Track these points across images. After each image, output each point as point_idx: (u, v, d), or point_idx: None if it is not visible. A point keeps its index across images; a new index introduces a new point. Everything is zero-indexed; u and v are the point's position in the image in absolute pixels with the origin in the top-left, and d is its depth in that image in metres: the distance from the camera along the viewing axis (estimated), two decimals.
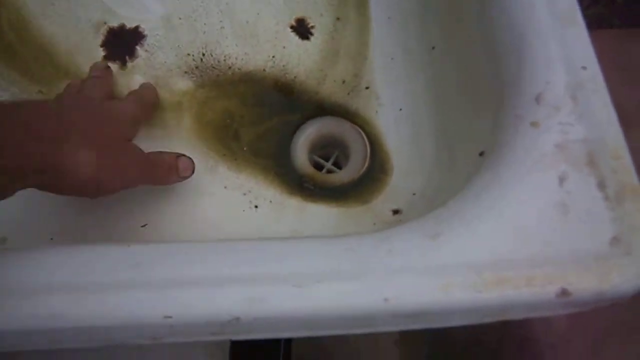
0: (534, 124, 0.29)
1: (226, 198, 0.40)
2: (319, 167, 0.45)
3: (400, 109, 0.44)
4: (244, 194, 0.41)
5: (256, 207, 0.41)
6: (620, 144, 0.28)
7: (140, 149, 0.37)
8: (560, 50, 0.30)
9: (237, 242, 0.26)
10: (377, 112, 0.44)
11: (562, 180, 0.27)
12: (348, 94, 0.45)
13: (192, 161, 0.39)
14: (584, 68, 0.30)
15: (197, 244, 0.26)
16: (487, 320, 0.26)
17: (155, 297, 0.24)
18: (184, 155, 0.39)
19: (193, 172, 0.39)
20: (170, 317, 0.23)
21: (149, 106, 0.42)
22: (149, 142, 0.39)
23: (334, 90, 0.45)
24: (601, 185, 0.27)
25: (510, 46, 0.31)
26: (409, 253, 0.25)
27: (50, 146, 0.28)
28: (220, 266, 0.24)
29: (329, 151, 0.46)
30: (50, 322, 0.23)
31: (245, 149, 0.43)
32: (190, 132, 0.43)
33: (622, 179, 0.27)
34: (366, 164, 0.43)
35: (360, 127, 0.44)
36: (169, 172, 0.38)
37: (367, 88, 0.45)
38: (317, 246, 0.26)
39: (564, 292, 0.25)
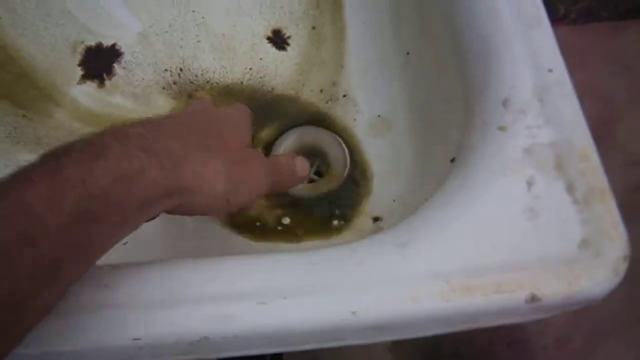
0: (501, 129, 0.29)
1: None
2: None
3: (379, 115, 0.44)
4: None
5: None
6: (588, 145, 0.28)
7: (262, 154, 0.35)
8: (526, 53, 0.30)
9: (201, 260, 0.26)
10: (355, 119, 0.44)
11: (530, 184, 0.27)
12: (326, 102, 0.45)
13: (307, 160, 0.37)
14: (550, 70, 0.30)
15: (160, 263, 0.26)
16: (459, 328, 0.26)
17: (121, 319, 0.24)
18: (297, 154, 0.37)
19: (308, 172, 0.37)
20: (138, 339, 0.23)
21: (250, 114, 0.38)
22: None
23: (312, 99, 0.46)
24: (570, 189, 0.27)
25: (477, 51, 0.31)
26: (377, 264, 0.25)
27: (175, 166, 0.25)
28: (185, 285, 0.24)
29: (310, 160, 0.46)
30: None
31: None
32: None
33: (591, 181, 0.27)
34: (346, 172, 0.43)
35: (339, 134, 0.44)
36: (290, 175, 0.36)
37: (344, 96, 0.45)
38: (282, 261, 0.26)
39: (533, 298, 0.25)
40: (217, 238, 0.40)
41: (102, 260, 0.24)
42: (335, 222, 0.41)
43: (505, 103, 0.30)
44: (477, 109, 0.31)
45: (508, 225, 0.26)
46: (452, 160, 0.31)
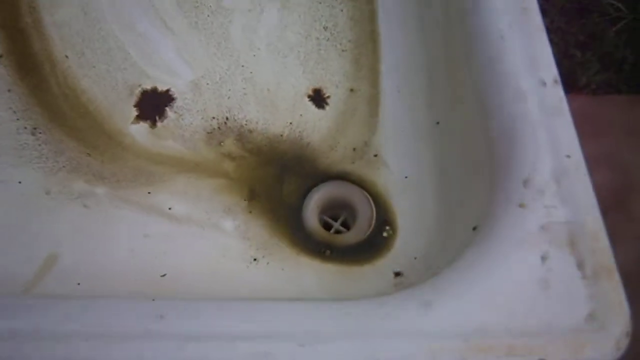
0: (521, 205, 0.32)
1: (237, 250, 0.44)
2: (327, 227, 0.48)
3: (406, 177, 0.48)
4: (257, 249, 0.44)
5: (268, 263, 0.44)
6: (599, 227, 0.31)
7: None
8: (547, 139, 0.34)
9: (247, 301, 0.29)
10: (384, 178, 0.48)
11: (544, 258, 0.30)
12: (358, 160, 0.49)
13: None
14: (568, 156, 0.33)
15: (211, 301, 0.29)
16: None
17: (174, 349, 0.27)
18: None
19: None
20: None
21: None
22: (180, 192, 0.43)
23: (345, 156, 0.49)
24: (580, 265, 0.30)
25: (503, 132, 0.35)
26: (402, 318, 0.28)
27: None
28: (233, 323, 0.28)
29: (338, 213, 0.49)
30: None
31: (258, 206, 0.47)
32: (209, 189, 0.47)
33: (600, 260, 0.30)
34: (372, 227, 0.46)
35: (368, 191, 0.48)
36: None
37: (375, 156, 0.49)
38: (321, 309, 0.29)
39: None
40: None
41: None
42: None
43: (525, 183, 0.33)
44: (500, 184, 0.34)
45: (523, 294, 0.29)
46: (474, 229, 0.34)
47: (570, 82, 1.29)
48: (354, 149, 0.49)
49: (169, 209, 0.46)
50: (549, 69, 0.36)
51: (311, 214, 0.47)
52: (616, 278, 0.30)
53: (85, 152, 0.48)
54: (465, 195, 0.39)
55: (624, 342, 0.29)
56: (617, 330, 0.29)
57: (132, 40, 0.53)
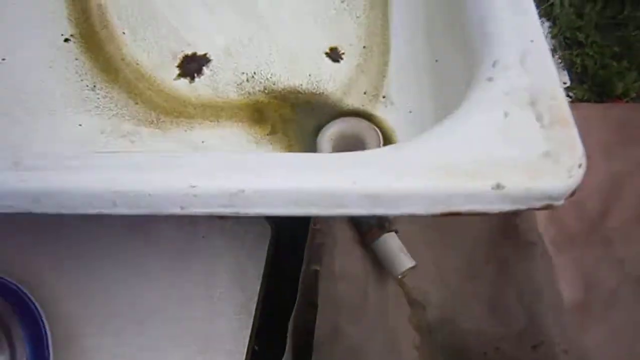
0: (489, 79, 0.37)
1: None
2: None
3: (410, 111, 0.53)
4: None
5: None
6: (556, 88, 0.35)
7: None
8: (513, 30, 0.39)
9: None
10: (390, 114, 0.53)
11: (506, 114, 0.35)
12: (368, 101, 0.55)
13: None
14: (532, 41, 0.38)
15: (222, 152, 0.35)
16: (435, 210, 0.32)
17: (186, 173, 0.33)
18: None
19: None
20: (195, 186, 0.32)
21: None
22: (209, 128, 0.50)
23: (357, 99, 0.55)
24: (539, 118, 0.34)
25: (476, 30, 0.40)
26: (376, 156, 0.33)
27: None
28: (237, 161, 0.33)
29: (350, 148, 0.54)
30: (111, 187, 0.33)
31: (278, 140, 0.53)
32: (237, 127, 0.54)
33: (557, 112, 0.34)
34: None
35: (376, 125, 0.53)
36: None
37: (384, 97, 0.55)
38: (311, 156, 0.34)
39: (498, 186, 0.31)
40: None
41: None
42: None
43: (494, 64, 0.38)
44: (474, 72, 0.39)
45: (485, 138, 0.34)
46: None
47: (608, 91, 1.30)
48: (365, 92, 0.55)
49: (202, 142, 0.53)
50: None
51: (325, 147, 0.52)
52: (572, 125, 0.34)
53: (134, 102, 0.57)
54: (454, 94, 0.44)
55: (578, 172, 0.32)
56: (570, 162, 0.32)
57: (176, 16, 0.62)
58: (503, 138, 0.33)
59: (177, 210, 0.33)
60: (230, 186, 0.32)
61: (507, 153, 0.33)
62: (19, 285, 0.50)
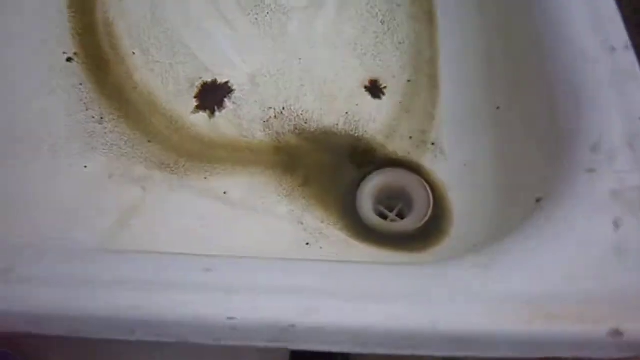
0: (590, 171, 0.30)
1: (290, 233, 0.43)
2: (383, 217, 0.47)
3: (465, 164, 0.46)
4: (310, 233, 0.43)
5: (321, 248, 0.43)
6: None
7: None
8: (618, 102, 0.31)
9: (299, 260, 0.28)
10: (441, 166, 0.46)
11: (617, 225, 0.28)
12: (414, 149, 0.48)
13: None
14: None
15: (266, 258, 0.28)
16: (536, 354, 0.26)
17: (221, 299, 0.26)
18: None
19: None
20: (232, 318, 0.26)
21: None
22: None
23: (402, 144, 0.48)
24: None
25: (569, 98, 0.33)
26: (460, 281, 0.27)
27: None
28: (283, 277, 0.27)
29: (394, 203, 0.48)
30: (129, 312, 0.26)
31: (312, 193, 0.46)
32: (264, 175, 0.47)
33: None
34: (428, 215, 0.45)
35: (425, 179, 0.46)
36: None
37: (432, 144, 0.48)
38: (372, 269, 0.28)
39: (616, 332, 0.25)
40: None
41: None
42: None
43: (594, 148, 0.31)
44: (565, 153, 0.32)
45: (594, 260, 0.27)
46: (538, 201, 0.32)
47: None
48: (411, 137, 0.48)
49: (224, 193, 0.46)
50: (619, 34, 0.34)
51: (365, 201, 0.46)
52: None
53: (146, 140, 0.50)
54: (527, 173, 0.37)
55: None
56: None
57: (193, 37, 0.55)
58: (616, 260, 0.27)
59: (210, 342, 0.26)
60: (278, 319, 0.26)
61: (623, 283, 0.26)
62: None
